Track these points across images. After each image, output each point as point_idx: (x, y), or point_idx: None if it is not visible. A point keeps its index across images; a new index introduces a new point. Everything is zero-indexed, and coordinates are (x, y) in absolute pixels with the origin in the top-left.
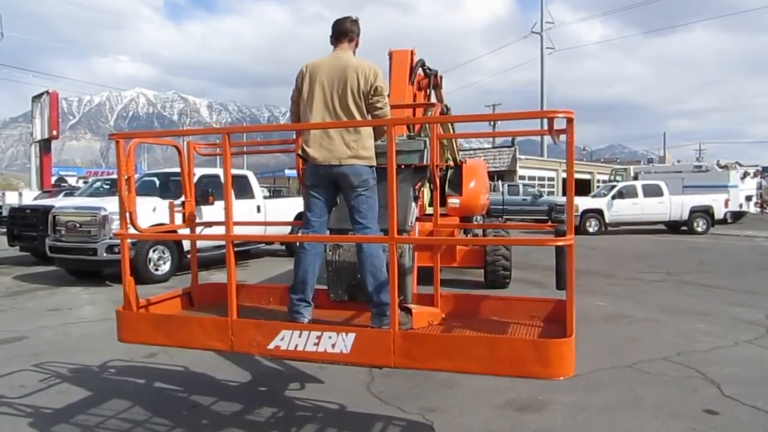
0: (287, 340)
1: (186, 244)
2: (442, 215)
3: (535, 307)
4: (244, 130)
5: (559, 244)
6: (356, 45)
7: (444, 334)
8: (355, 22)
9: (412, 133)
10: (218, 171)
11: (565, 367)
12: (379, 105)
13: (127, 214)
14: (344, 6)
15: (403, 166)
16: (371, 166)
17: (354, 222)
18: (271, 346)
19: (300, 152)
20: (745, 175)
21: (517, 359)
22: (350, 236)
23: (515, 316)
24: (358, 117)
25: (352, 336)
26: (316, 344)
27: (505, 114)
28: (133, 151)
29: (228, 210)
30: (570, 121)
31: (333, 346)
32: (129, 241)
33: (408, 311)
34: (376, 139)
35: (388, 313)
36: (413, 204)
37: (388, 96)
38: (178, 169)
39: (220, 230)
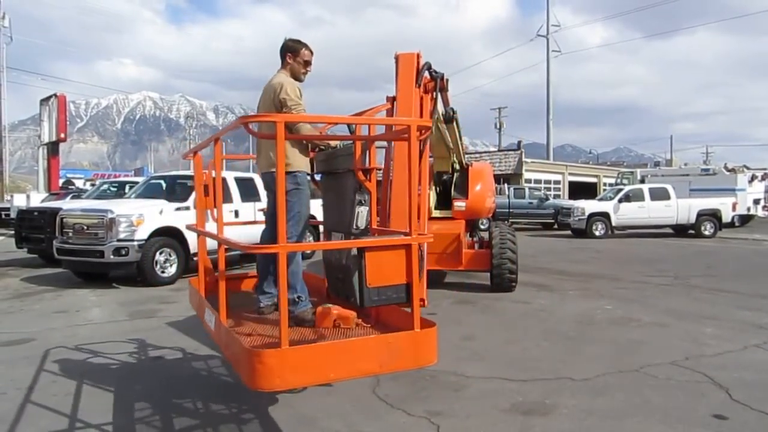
0: (208, 316)
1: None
2: (447, 218)
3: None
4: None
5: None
6: (295, 59)
7: (227, 328)
8: (291, 41)
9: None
10: (224, 174)
11: (260, 379)
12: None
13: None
14: (343, 8)
15: (349, 170)
16: (290, 173)
17: None
18: (205, 319)
19: None
20: (753, 178)
21: (237, 360)
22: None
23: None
24: (273, 128)
25: (214, 317)
26: (210, 321)
27: (235, 121)
28: (211, 166)
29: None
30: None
31: (212, 323)
32: (136, 243)
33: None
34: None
35: (292, 308)
36: (360, 207)
37: (305, 108)
38: (184, 172)
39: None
